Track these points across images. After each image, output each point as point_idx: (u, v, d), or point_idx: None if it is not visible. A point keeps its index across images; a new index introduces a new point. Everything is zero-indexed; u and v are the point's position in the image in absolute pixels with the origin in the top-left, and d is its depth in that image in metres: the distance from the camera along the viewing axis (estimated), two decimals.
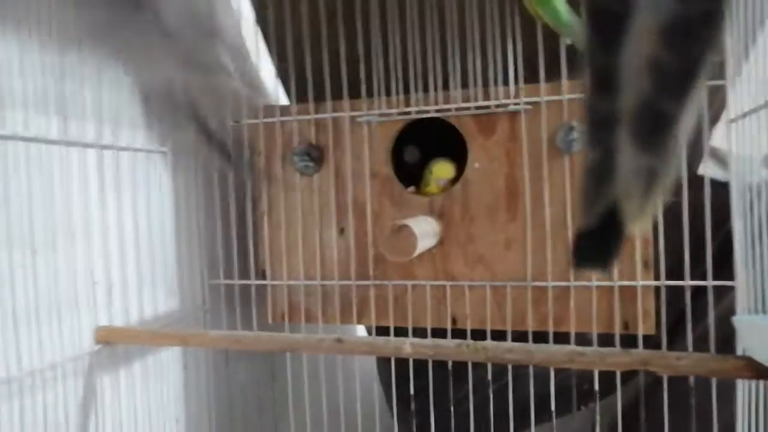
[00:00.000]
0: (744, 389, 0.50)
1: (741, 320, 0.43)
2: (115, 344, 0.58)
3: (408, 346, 0.47)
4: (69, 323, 0.54)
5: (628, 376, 0.70)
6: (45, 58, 0.52)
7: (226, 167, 0.51)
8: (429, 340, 0.48)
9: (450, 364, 0.64)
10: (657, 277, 0.58)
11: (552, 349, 0.45)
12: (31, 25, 0.52)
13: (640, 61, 0.17)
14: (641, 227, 0.19)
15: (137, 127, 0.64)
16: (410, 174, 0.68)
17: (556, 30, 0.55)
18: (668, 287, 0.58)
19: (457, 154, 0.66)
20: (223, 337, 0.54)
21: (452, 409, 0.68)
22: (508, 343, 0.46)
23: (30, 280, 0.51)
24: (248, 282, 0.71)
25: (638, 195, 0.18)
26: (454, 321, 0.64)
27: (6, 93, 0.49)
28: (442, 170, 0.66)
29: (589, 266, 0.20)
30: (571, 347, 0.45)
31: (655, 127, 0.17)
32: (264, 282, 0.71)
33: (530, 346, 0.46)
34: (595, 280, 0.59)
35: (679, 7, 0.16)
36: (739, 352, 0.49)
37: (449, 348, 0.47)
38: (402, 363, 0.80)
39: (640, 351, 0.43)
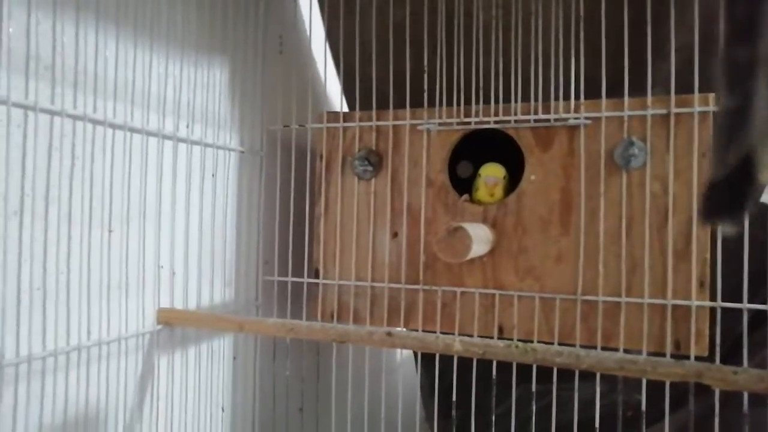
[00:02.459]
0: None
1: None
2: (174, 326, 0.61)
3: (458, 344, 0.48)
4: (135, 301, 0.58)
5: (677, 403, 0.69)
6: (136, 52, 0.57)
7: None
8: (479, 339, 0.48)
9: (494, 375, 0.64)
10: (713, 298, 0.57)
11: (602, 355, 0.45)
12: (138, 24, 0.57)
13: None
14: None
15: (213, 125, 0.68)
16: (463, 189, 0.69)
17: None
18: (727, 313, 0.57)
19: (513, 169, 0.67)
20: (278, 325, 0.56)
21: (493, 423, 0.68)
22: (557, 347, 0.46)
23: (105, 257, 0.54)
24: (301, 280, 0.73)
25: None
26: (500, 330, 0.65)
27: (99, 80, 0.53)
28: (491, 170, 0.66)
29: (719, 218, 0.19)
30: (621, 354, 0.44)
31: None
32: (316, 281, 0.73)
33: (579, 350, 0.46)
34: (647, 297, 0.59)
35: None
36: None
37: (498, 348, 0.47)
38: (445, 374, 0.80)
39: (694, 363, 0.43)
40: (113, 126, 0.54)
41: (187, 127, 0.64)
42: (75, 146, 0.51)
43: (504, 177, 0.66)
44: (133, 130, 0.57)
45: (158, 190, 0.61)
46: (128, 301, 0.57)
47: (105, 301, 0.54)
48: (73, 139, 0.51)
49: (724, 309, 0.56)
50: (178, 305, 0.63)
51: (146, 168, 0.59)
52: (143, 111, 0.58)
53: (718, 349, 0.56)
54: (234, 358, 0.73)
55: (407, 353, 1.06)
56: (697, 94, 0.58)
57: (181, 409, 0.63)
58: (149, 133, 0.59)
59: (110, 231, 0.55)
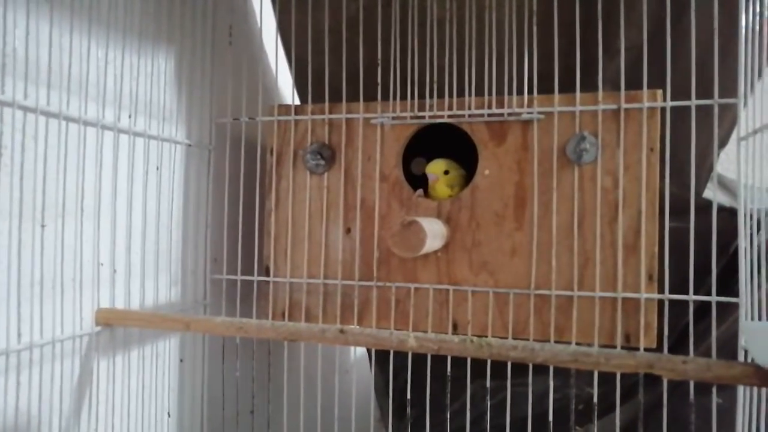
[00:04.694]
0: (746, 397, 0.49)
1: (751, 326, 0.43)
2: (115, 328, 0.58)
3: (412, 340, 0.47)
4: (71, 301, 0.54)
5: (627, 394, 0.70)
6: (73, 36, 0.53)
7: None
8: (433, 335, 0.48)
9: (449, 371, 0.63)
10: (661, 291, 0.58)
11: (556, 348, 0.45)
12: (76, 6, 0.53)
13: None
14: None
15: (158, 116, 0.64)
16: (417, 186, 0.68)
17: None
18: (673, 305, 0.58)
19: (468, 165, 0.67)
20: (226, 324, 0.53)
21: (448, 420, 0.67)
22: (512, 341, 0.46)
23: (37, 253, 0.51)
24: (251, 278, 0.71)
25: None
26: (455, 326, 0.64)
27: (30, 65, 0.50)
28: (431, 166, 0.66)
29: None
30: (575, 347, 0.44)
31: None
32: (267, 278, 0.71)
33: (534, 344, 0.45)
34: (599, 290, 0.59)
35: None
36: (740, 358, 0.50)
37: (453, 343, 0.46)
38: (399, 373, 0.79)
39: (646, 353, 0.43)
40: (47, 114, 0.51)
41: (130, 117, 0.61)
42: (3, 134, 0.47)
43: (445, 172, 0.66)
44: (68, 119, 0.53)
45: (97, 183, 0.57)
46: (63, 301, 0.53)
47: (37, 300, 0.51)
48: (0, 127, 0.47)
49: (671, 301, 0.58)
50: (120, 305, 0.60)
51: (84, 159, 0.55)
52: (81, 99, 0.55)
53: (666, 340, 0.57)
54: (180, 360, 0.70)
55: (361, 353, 1.05)
56: (645, 91, 0.59)
57: (123, 416, 0.60)
58: (87, 123, 0.55)
59: (43, 225, 0.51)
